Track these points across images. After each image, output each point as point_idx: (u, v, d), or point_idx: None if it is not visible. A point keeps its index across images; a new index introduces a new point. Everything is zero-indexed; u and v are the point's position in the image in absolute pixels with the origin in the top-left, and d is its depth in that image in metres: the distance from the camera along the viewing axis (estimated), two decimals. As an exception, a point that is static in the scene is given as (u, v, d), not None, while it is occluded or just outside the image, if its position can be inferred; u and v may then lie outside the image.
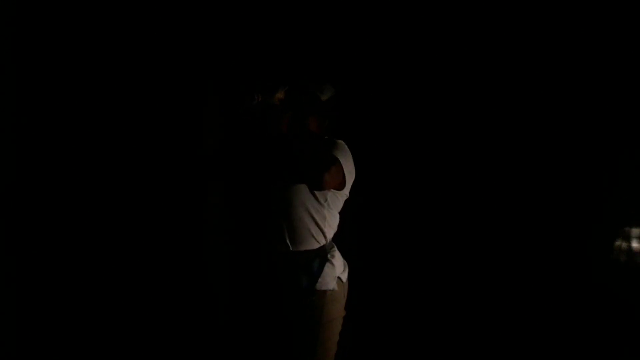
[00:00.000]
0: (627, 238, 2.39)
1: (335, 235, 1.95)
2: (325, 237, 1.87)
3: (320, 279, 1.82)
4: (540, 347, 2.47)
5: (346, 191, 1.87)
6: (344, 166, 1.77)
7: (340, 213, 1.94)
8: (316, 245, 1.85)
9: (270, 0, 2.57)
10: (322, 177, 1.66)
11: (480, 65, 2.53)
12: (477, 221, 2.56)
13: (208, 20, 2.55)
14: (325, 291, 1.82)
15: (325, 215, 1.85)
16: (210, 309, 2.55)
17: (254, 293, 1.92)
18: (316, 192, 1.80)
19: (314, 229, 1.83)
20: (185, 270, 2.57)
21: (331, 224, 1.88)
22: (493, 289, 2.54)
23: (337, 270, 1.86)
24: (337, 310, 1.86)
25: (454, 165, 2.59)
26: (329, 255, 1.86)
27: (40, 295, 2.49)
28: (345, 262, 1.94)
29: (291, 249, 1.83)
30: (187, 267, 2.57)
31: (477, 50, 2.53)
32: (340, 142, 1.86)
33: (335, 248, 1.92)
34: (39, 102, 2.45)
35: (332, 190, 1.81)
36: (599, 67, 2.37)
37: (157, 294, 2.55)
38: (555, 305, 2.46)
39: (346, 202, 1.93)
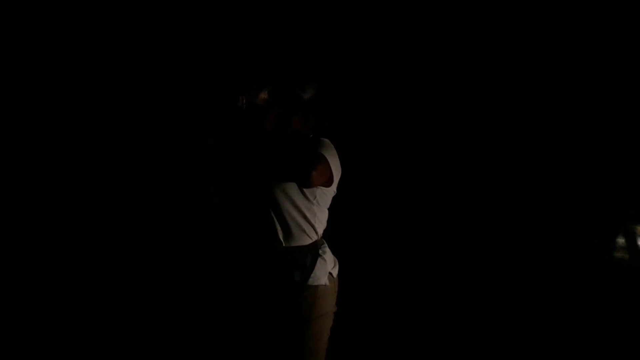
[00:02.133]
0: (626, 238, 2.36)
1: (324, 232, 1.98)
2: (316, 232, 1.91)
3: (312, 274, 1.85)
4: (535, 347, 2.46)
5: (334, 187, 1.91)
6: (330, 163, 1.81)
7: (328, 210, 1.97)
8: (308, 241, 1.89)
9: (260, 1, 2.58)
10: (310, 175, 1.71)
11: (479, 63, 2.52)
12: (470, 219, 2.56)
13: (206, 21, 2.56)
14: (317, 286, 1.86)
15: (315, 212, 1.89)
16: (209, 308, 2.55)
17: (249, 289, 1.95)
18: (305, 190, 1.84)
19: (305, 225, 1.88)
20: (185, 270, 2.57)
21: (321, 220, 1.93)
22: (486, 287, 2.54)
23: (328, 265, 1.90)
24: (328, 306, 1.90)
25: (447, 163, 2.59)
26: (320, 251, 1.90)
27: (40, 294, 2.50)
28: (335, 258, 1.97)
29: (284, 244, 1.87)
30: (187, 266, 2.57)
31: (475, 48, 2.52)
32: (325, 140, 1.90)
33: (326, 244, 1.96)
34: (39, 102, 2.47)
35: (320, 187, 1.86)
36: (600, 67, 2.37)
37: (157, 294, 2.56)
38: (552, 305, 2.46)
39: (334, 199, 1.97)
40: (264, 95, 1.84)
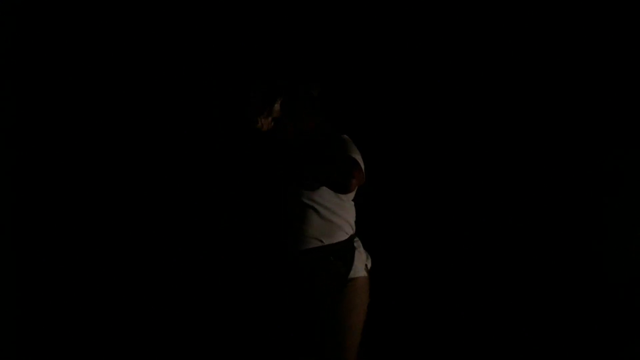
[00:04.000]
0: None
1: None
2: (351, 227, 1.96)
3: (353, 267, 1.92)
4: (547, 348, 2.49)
5: None
6: (361, 163, 1.87)
7: None
8: (345, 236, 1.93)
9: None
10: (350, 184, 1.79)
11: (484, 65, 2.54)
12: (482, 221, 2.57)
13: (208, 22, 2.55)
14: (356, 278, 1.92)
15: (347, 207, 1.95)
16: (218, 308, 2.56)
17: (284, 290, 1.95)
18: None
19: (342, 222, 1.92)
20: (187, 271, 2.58)
21: (352, 214, 1.98)
22: (499, 290, 2.56)
23: (364, 258, 1.97)
24: (365, 297, 1.95)
25: (459, 165, 2.59)
26: (355, 244, 1.96)
27: (39, 295, 2.50)
28: (367, 252, 2.02)
29: (324, 242, 1.89)
30: (189, 268, 2.58)
31: (479, 49, 2.53)
32: (346, 137, 1.95)
33: (358, 239, 2.00)
34: (40, 104, 2.46)
35: None
36: (613, 68, 2.40)
37: (160, 294, 2.57)
38: (566, 307, 2.48)
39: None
40: (277, 106, 1.86)
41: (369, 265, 1.99)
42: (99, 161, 2.53)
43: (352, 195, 1.95)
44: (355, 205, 2.03)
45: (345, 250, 1.91)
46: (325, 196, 1.88)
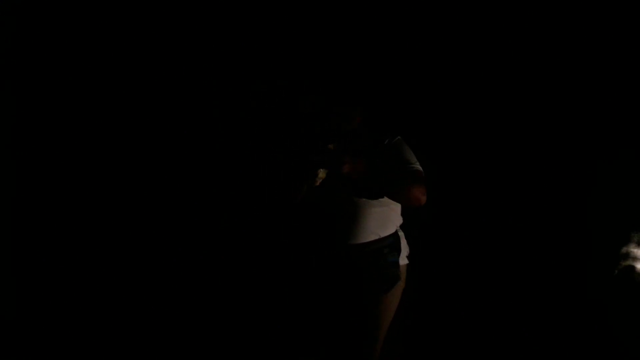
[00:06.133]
0: (626, 253, 2.39)
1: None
2: (400, 217, 2.04)
3: (401, 255, 2.02)
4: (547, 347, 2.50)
5: None
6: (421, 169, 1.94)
7: None
8: (394, 229, 2.02)
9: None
10: (423, 201, 1.87)
11: (485, 65, 2.53)
12: (474, 223, 2.58)
13: (208, 22, 2.56)
14: (403, 265, 2.02)
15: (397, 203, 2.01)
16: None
17: (333, 283, 2.00)
18: None
19: (394, 215, 2.02)
20: (193, 272, 2.59)
21: (399, 204, 2.04)
22: (492, 296, 2.57)
23: (405, 246, 2.05)
24: (403, 283, 2.03)
25: (459, 167, 2.58)
26: (399, 233, 2.03)
27: (39, 295, 2.50)
28: None
29: (381, 235, 1.97)
30: (196, 269, 2.59)
31: (480, 50, 2.52)
32: (400, 139, 1.99)
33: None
34: (39, 104, 2.46)
35: None
36: (613, 70, 2.40)
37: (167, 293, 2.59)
38: (550, 319, 2.50)
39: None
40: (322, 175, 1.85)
41: (408, 253, 2.06)
42: (99, 161, 2.53)
43: None
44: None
45: (394, 241, 1.99)
46: (386, 201, 1.94)
